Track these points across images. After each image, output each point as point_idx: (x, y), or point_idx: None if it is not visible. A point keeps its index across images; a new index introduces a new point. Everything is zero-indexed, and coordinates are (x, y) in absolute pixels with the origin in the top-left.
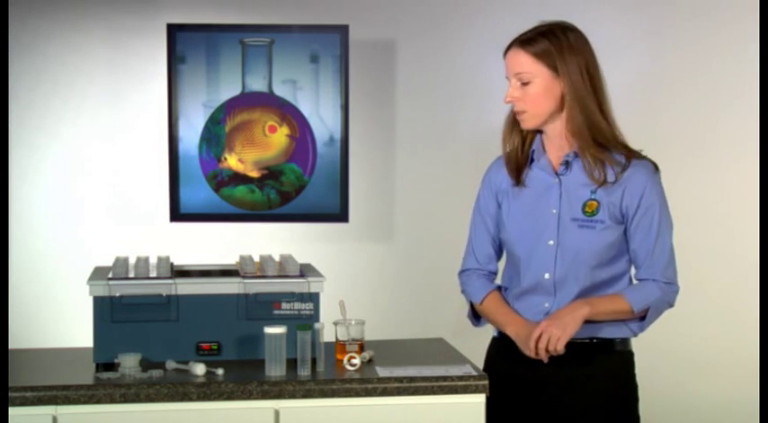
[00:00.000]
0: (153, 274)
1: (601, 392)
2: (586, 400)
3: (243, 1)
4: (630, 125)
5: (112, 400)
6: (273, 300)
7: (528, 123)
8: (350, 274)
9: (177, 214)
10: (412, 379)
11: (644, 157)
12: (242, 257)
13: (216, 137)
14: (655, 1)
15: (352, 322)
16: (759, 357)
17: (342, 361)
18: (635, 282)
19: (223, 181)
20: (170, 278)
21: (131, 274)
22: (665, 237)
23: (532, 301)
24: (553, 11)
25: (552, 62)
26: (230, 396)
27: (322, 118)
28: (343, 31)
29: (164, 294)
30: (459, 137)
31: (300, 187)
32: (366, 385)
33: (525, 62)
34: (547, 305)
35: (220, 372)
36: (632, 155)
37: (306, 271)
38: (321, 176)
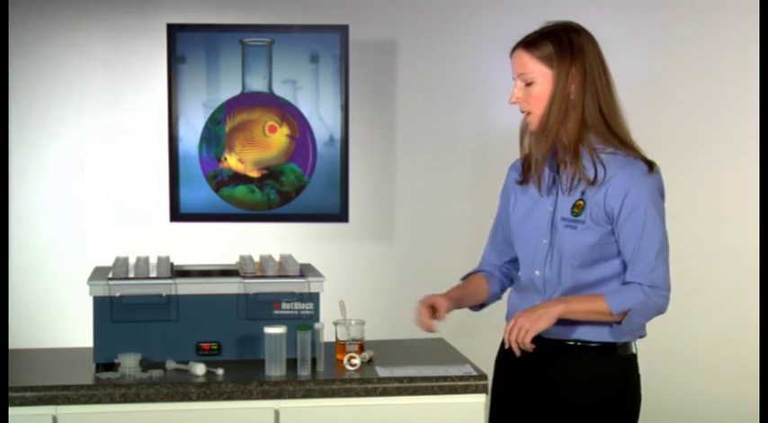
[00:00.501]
0: (153, 274)
1: (598, 395)
2: (584, 400)
3: (243, 1)
4: (630, 125)
5: (112, 400)
6: (273, 300)
7: (533, 125)
8: (350, 274)
9: (177, 214)
10: (412, 379)
11: (640, 158)
12: (242, 257)
13: (216, 137)
14: (655, 1)
15: (352, 322)
16: (759, 357)
17: (342, 361)
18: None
19: (223, 181)
20: (170, 278)
21: (131, 274)
22: (653, 239)
23: (527, 298)
24: (553, 11)
25: (551, 62)
26: (230, 396)
27: (322, 118)
28: (343, 31)
29: (164, 294)
30: (460, 137)
31: (300, 187)
32: (366, 385)
33: (528, 63)
34: (537, 303)
35: (220, 372)
36: (628, 155)
37: (306, 271)
38: (321, 176)
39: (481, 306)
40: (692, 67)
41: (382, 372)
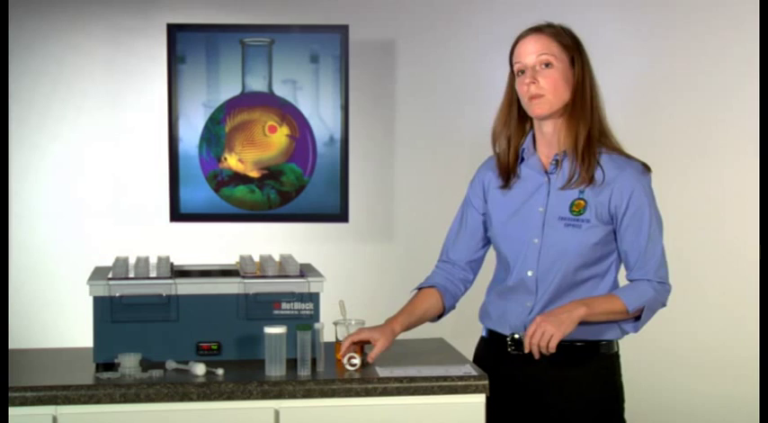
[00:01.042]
0: (153, 274)
1: (583, 395)
2: (568, 402)
3: (243, 1)
4: (631, 125)
5: (112, 400)
6: (273, 300)
7: (542, 108)
8: (350, 274)
9: (177, 214)
10: (412, 379)
11: (634, 159)
12: (242, 257)
13: (216, 137)
14: (655, 2)
15: (352, 322)
16: (759, 357)
17: (342, 361)
18: (626, 282)
19: (223, 181)
20: (170, 278)
21: (131, 274)
22: (657, 237)
23: (517, 300)
24: (553, 11)
25: (570, 53)
26: (230, 396)
27: (322, 118)
28: (343, 31)
29: (164, 294)
30: (459, 137)
31: (300, 187)
32: (366, 385)
33: (550, 45)
34: (529, 304)
35: (220, 372)
36: (623, 156)
37: (306, 271)
38: (321, 176)
39: (438, 317)
40: (691, 67)
41: (382, 372)
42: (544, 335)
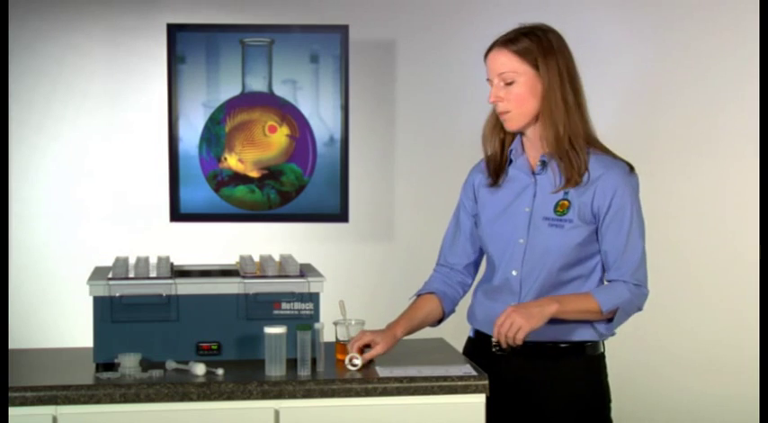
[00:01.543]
0: (153, 274)
1: (568, 394)
2: (553, 402)
3: (243, 1)
4: (631, 125)
5: (112, 400)
6: (273, 300)
7: (512, 124)
8: (350, 274)
9: (177, 214)
10: (412, 379)
11: (619, 159)
12: (242, 257)
13: (216, 137)
14: (655, 1)
15: (352, 322)
16: (759, 357)
17: (342, 361)
18: (605, 283)
19: (223, 181)
20: (170, 278)
21: (131, 274)
22: (637, 239)
23: (502, 300)
24: (553, 11)
25: (534, 60)
26: (230, 396)
27: (322, 118)
28: (343, 31)
29: (164, 294)
30: (459, 137)
31: (300, 187)
32: (366, 385)
33: (508, 61)
34: (512, 304)
35: (220, 372)
36: (607, 155)
37: (306, 271)
38: (321, 176)
39: (438, 322)
40: (692, 67)
41: (382, 372)
42: (512, 326)
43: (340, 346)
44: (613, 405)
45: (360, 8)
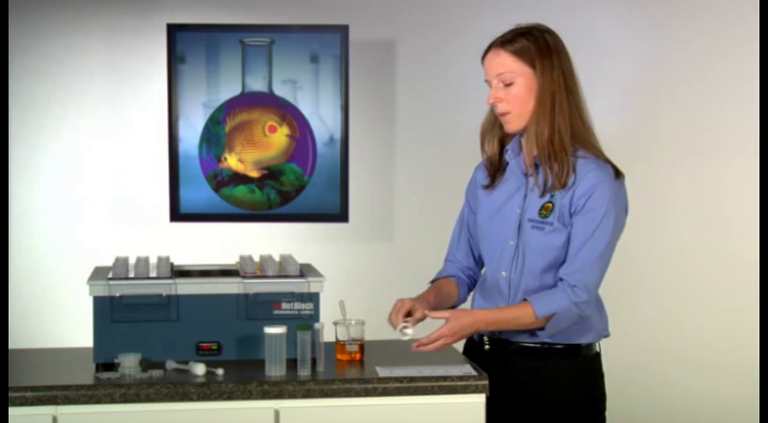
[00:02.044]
0: (153, 274)
1: (563, 393)
2: (548, 400)
3: (243, 1)
4: (630, 125)
5: (112, 400)
6: (273, 300)
7: (513, 125)
8: (350, 274)
9: (177, 214)
10: (412, 379)
11: (608, 163)
12: (242, 257)
13: (216, 137)
14: (655, 1)
15: (352, 322)
16: (759, 357)
17: (343, 360)
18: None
19: (223, 181)
20: (170, 278)
21: (131, 274)
22: (599, 243)
23: (493, 301)
24: (553, 10)
25: (532, 60)
26: (230, 396)
27: (322, 118)
28: (343, 31)
29: (164, 294)
30: (460, 137)
31: (300, 187)
32: (366, 385)
33: (506, 62)
34: (502, 305)
35: (220, 372)
36: (598, 158)
37: (306, 271)
38: (321, 176)
39: (453, 307)
40: (691, 66)
41: (382, 372)
42: (436, 346)
43: (340, 347)
44: (609, 405)
45: (360, 8)
